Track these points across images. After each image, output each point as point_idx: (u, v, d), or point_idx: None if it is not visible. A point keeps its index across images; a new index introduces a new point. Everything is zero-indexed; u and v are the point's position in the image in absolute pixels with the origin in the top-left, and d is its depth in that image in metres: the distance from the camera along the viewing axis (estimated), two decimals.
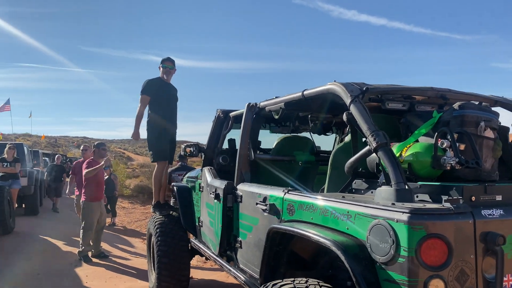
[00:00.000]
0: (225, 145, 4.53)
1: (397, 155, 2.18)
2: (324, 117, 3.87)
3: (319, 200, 2.32)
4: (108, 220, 9.91)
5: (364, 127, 2.20)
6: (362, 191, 2.53)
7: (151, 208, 5.34)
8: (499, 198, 1.99)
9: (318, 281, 2.15)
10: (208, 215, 4.00)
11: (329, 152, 4.22)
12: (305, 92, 2.82)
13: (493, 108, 2.65)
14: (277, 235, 2.58)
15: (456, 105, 2.33)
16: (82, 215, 6.91)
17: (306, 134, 4.26)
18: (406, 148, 2.24)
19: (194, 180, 4.73)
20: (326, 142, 4.57)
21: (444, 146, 2.08)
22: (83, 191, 6.92)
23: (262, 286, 2.36)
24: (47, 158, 18.96)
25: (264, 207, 2.83)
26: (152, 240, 4.85)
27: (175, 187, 5.02)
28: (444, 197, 1.90)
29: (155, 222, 4.72)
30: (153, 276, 4.79)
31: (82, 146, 8.72)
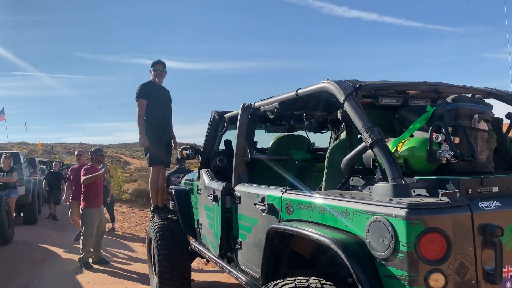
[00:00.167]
0: (221, 147, 4.53)
1: (393, 150, 2.18)
2: (319, 115, 3.88)
3: (317, 199, 2.32)
4: (108, 225, 9.88)
5: (358, 124, 2.21)
6: (359, 188, 2.53)
7: (150, 212, 5.34)
8: (495, 189, 2.00)
9: (319, 279, 2.16)
10: (207, 217, 4.00)
11: (325, 149, 4.23)
12: (299, 91, 2.83)
13: (486, 100, 2.66)
14: (276, 235, 2.58)
15: (449, 99, 2.34)
16: (82, 221, 6.90)
17: (301, 133, 4.27)
18: (401, 143, 2.24)
19: (191, 182, 4.73)
20: (321, 139, 4.59)
21: (439, 140, 2.09)
22: (82, 197, 6.90)
23: (264, 286, 2.36)
24: (44, 166, 18.91)
25: (262, 207, 2.83)
26: (152, 244, 4.84)
27: (173, 190, 5.02)
28: (441, 191, 1.91)
29: (155, 226, 4.72)
30: (154, 280, 4.78)
31: (76, 152, 8.70)
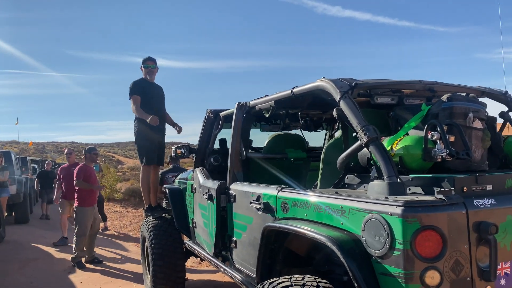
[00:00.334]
0: (216, 145, 4.52)
1: (388, 149, 2.19)
2: (314, 114, 3.89)
3: (313, 197, 2.32)
4: (100, 225, 9.82)
5: (354, 122, 2.22)
6: (355, 186, 2.54)
7: (143, 211, 5.31)
8: (489, 187, 2.02)
9: (315, 277, 2.16)
10: (202, 216, 3.99)
11: (319, 148, 4.25)
12: (294, 90, 2.83)
13: (480, 99, 2.68)
14: (272, 233, 2.58)
15: (444, 97, 2.35)
16: (75, 220, 6.85)
17: (296, 132, 4.27)
18: (396, 142, 2.25)
19: (185, 181, 4.72)
20: (315, 138, 4.59)
21: (434, 138, 2.10)
22: (76, 196, 6.86)
23: (259, 284, 2.36)
24: (35, 165, 18.76)
25: (258, 206, 2.83)
26: (146, 243, 4.82)
27: (167, 189, 5.00)
28: (437, 189, 1.92)
29: (148, 225, 4.69)
30: (148, 280, 4.76)
31: (66, 150, 8.56)
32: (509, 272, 1.94)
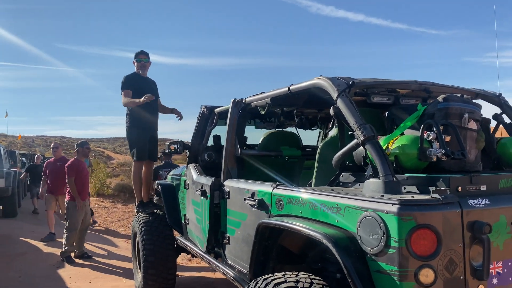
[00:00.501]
0: (210, 142, 4.51)
1: (384, 148, 2.20)
2: (309, 112, 3.89)
3: (308, 194, 2.33)
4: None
5: (351, 120, 2.23)
6: (350, 184, 2.55)
7: (134, 207, 5.26)
8: (483, 188, 2.04)
9: (309, 274, 2.17)
10: (195, 212, 3.98)
11: (313, 147, 4.26)
12: (291, 87, 2.83)
13: (474, 101, 2.71)
14: (266, 230, 2.58)
15: (440, 98, 2.38)
16: (66, 214, 6.79)
17: (290, 129, 4.28)
18: (392, 141, 2.27)
19: (179, 177, 4.70)
20: (308, 137, 4.59)
21: (430, 138, 2.12)
22: (67, 190, 6.79)
23: (253, 281, 2.36)
24: (24, 159, 18.55)
25: (252, 203, 2.83)
26: (137, 239, 4.79)
27: (159, 185, 4.98)
28: (432, 188, 1.93)
29: (140, 220, 4.67)
30: (139, 275, 4.74)
31: (52, 144, 8.39)
32: (501, 272, 1.97)
